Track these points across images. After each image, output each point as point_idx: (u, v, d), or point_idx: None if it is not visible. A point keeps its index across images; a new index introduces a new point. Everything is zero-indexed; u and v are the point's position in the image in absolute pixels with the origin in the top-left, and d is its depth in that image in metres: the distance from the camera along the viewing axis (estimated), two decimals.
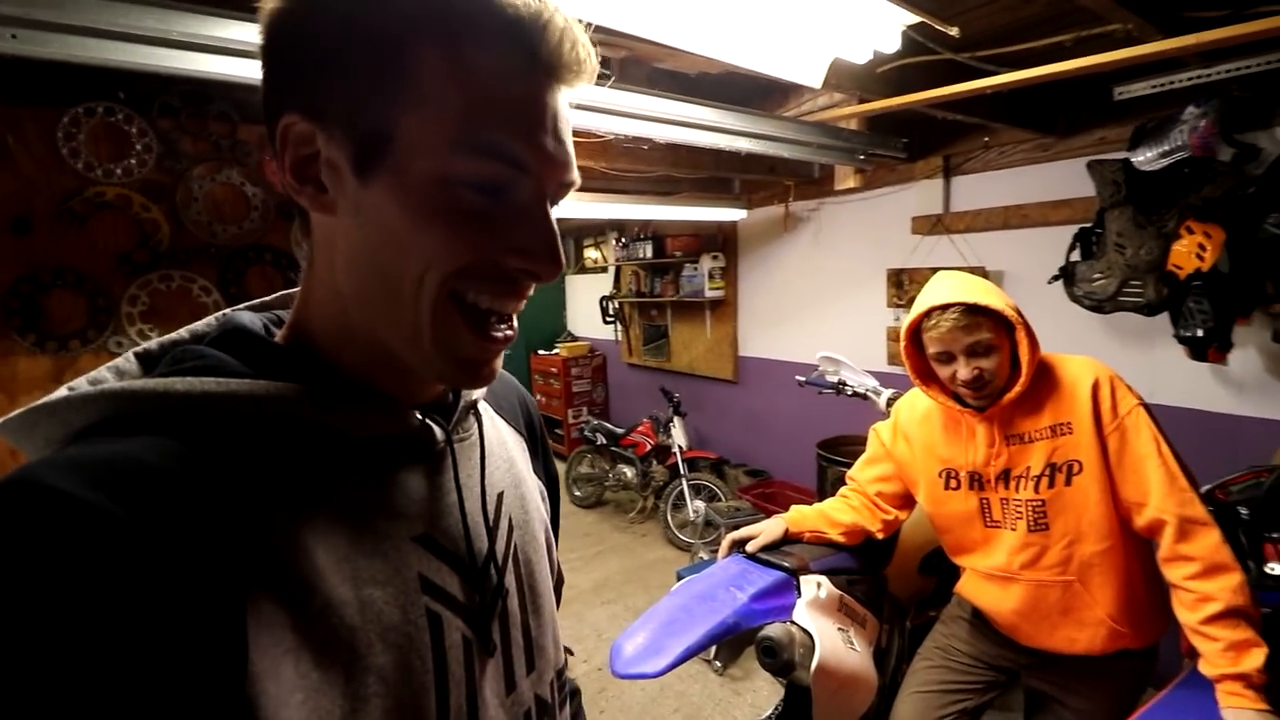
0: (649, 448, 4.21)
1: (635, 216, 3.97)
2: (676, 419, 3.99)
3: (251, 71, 1.22)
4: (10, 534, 0.31)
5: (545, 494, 0.66)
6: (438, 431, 0.49)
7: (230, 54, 1.16)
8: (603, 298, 5.38)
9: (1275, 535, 1.55)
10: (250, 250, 1.83)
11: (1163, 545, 1.23)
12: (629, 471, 4.32)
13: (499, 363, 0.47)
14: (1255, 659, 1.11)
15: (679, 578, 3.00)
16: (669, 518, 3.93)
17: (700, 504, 3.71)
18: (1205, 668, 1.16)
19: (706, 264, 4.21)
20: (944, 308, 1.25)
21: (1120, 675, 1.39)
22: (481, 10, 0.38)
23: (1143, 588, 1.33)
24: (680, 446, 3.92)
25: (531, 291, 0.46)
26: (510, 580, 0.54)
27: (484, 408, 0.59)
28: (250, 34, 1.15)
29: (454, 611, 0.47)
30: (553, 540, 0.65)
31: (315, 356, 0.46)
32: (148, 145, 1.63)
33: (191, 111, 1.70)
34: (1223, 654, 1.13)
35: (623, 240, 4.92)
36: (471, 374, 0.45)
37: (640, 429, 4.32)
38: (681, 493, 3.83)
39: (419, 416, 0.48)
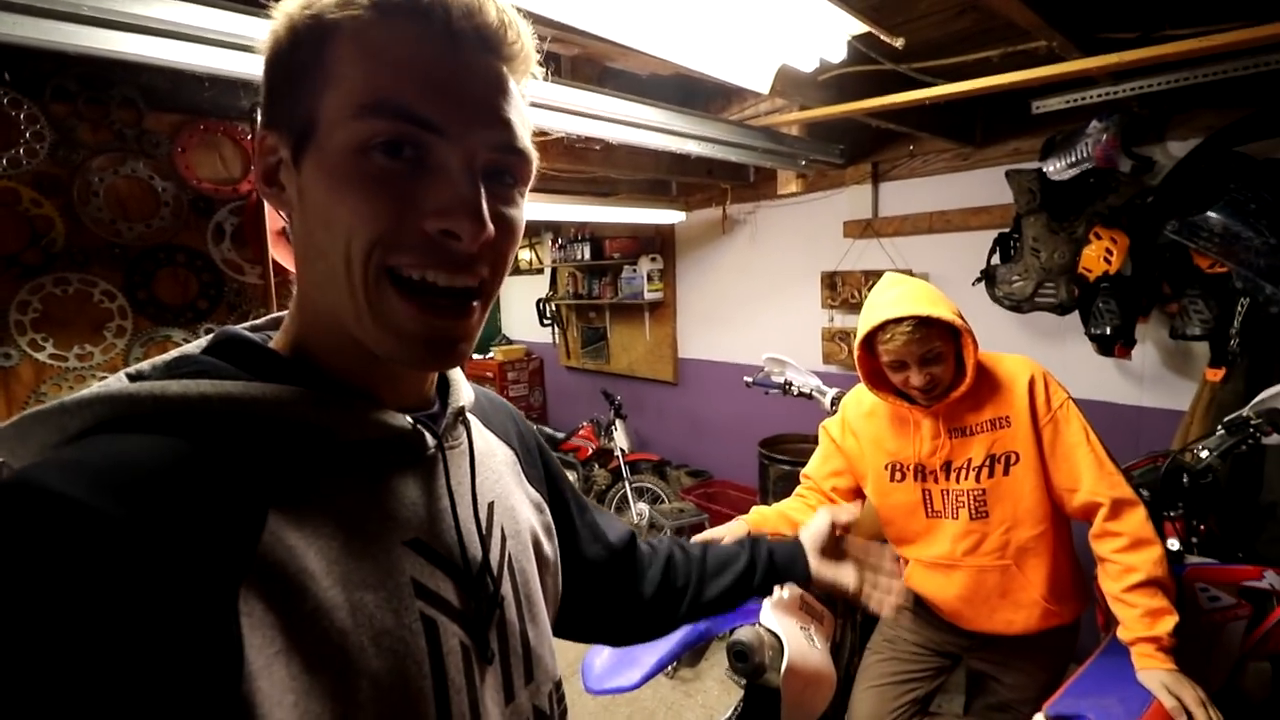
0: (590, 451, 4.17)
1: (572, 218, 3.93)
2: (618, 421, 3.97)
3: (165, 53, 1.11)
4: (7, 536, 0.31)
5: (544, 507, 0.65)
6: (428, 437, 0.50)
7: (146, 32, 1.05)
8: (539, 300, 5.29)
9: (1172, 514, 1.69)
10: (161, 250, 1.67)
11: (1095, 523, 1.33)
12: (570, 476, 4.26)
13: (465, 346, 0.46)
14: (1167, 624, 1.21)
15: None
16: None
17: (644, 506, 3.70)
18: (1122, 633, 1.26)
19: (645, 266, 4.21)
20: (898, 321, 1.30)
21: (1050, 649, 1.49)
22: None
23: (1068, 568, 1.44)
24: (622, 449, 3.90)
25: (483, 270, 0.44)
26: (507, 589, 0.54)
27: (473, 420, 0.58)
28: (172, 12, 1.04)
29: (450, 617, 0.47)
30: (548, 555, 0.63)
31: (308, 361, 0.47)
32: (38, 133, 1.45)
33: (91, 96, 1.52)
34: (1140, 619, 1.23)
35: (559, 242, 4.85)
36: (418, 350, 0.44)
37: (581, 433, 4.27)
38: (625, 496, 3.81)
39: (410, 421, 0.48)
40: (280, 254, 1.73)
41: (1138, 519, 1.30)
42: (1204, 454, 1.59)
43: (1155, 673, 1.19)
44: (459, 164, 0.42)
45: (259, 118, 0.46)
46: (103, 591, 0.32)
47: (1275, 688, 1.47)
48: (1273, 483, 1.92)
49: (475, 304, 0.45)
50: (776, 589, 1.40)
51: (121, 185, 1.60)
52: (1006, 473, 1.37)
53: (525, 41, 0.44)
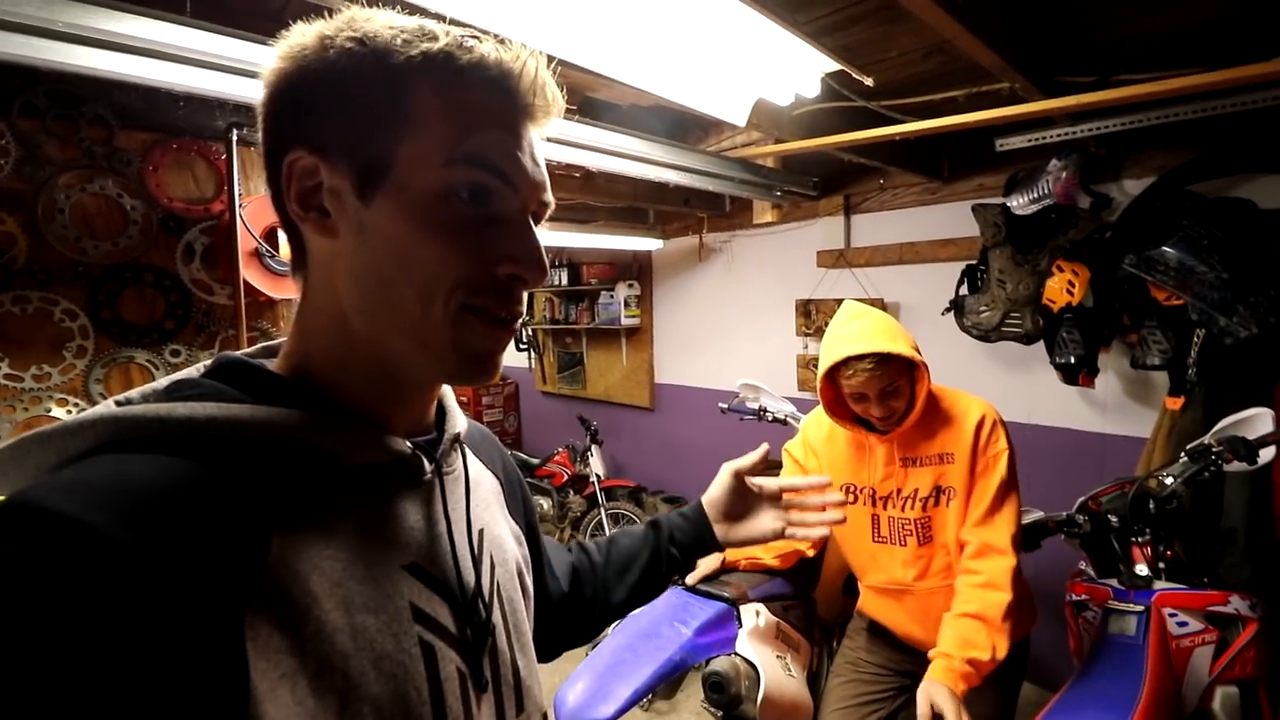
0: (566, 478, 4.12)
1: (551, 243, 3.93)
2: (594, 447, 3.94)
3: (140, 71, 1.10)
4: (10, 559, 0.31)
5: (522, 539, 0.65)
6: (427, 462, 0.50)
7: (121, 50, 1.03)
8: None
9: (1140, 540, 1.72)
10: (127, 269, 1.63)
11: (960, 559, 1.40)
12: (545, 503, 4.20)
13: (502, 358, 0.50)
14: (975, 654, 1.26)
15: None
16: None
17: None
18: (933, 651, 1.30)
19: (622, 292, 4.23)
20: (860, 357, 1.35)
21: (1002, 667, 1.51)
22: (469, 58, 0.45)
23: None
24: (598, 475, 3.86)
25: (524, 299, 0.50)
26: (497, 617, 0.54)
27: (465, 448, 0.59)
28: (148, 30, 1.03)
29: (447, 643, 0.47)
30: (529, 586, 0.63)
31: (310, 385, 0.47)
32: (3, 148, 1.42)
33: (60, 113, 1.50)
34: (954, 639, 1.29)
35: None
36: (482, 365, 0.47)
37: (556, 458, 4.23)
38: (600, 523, 3.77)
39: (410, 446, 0.49)
40: (252, 275, 1.70)
41: (1000, 566, 1.35)
42: (1169, 480, 1.63)
43: (939, 686, 1.22)
44: (521, 214, 0.47)
45: (276, 137, 0.46)
46: (107, 616, 0.31)
47: (1244, 712, 1.49)
48: (1232, 509, 1.98)
49: (517, 324, 0.49)
50: (752, 616, 1.40)
51: (89, 203, 1.56)
52: (947, 505, 1.44)
53: (562, 104, 0.49)
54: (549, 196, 0.50)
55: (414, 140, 0.43)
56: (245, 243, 1.68)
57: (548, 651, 0.77)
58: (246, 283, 1.68)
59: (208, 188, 1.73)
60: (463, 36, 0.45)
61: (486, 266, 0.45)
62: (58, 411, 1.49)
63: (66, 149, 1.52)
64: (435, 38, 0.44)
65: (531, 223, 0.48)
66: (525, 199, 0.47)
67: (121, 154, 1.59)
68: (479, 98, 0.45)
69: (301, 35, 0.45)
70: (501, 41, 0.46)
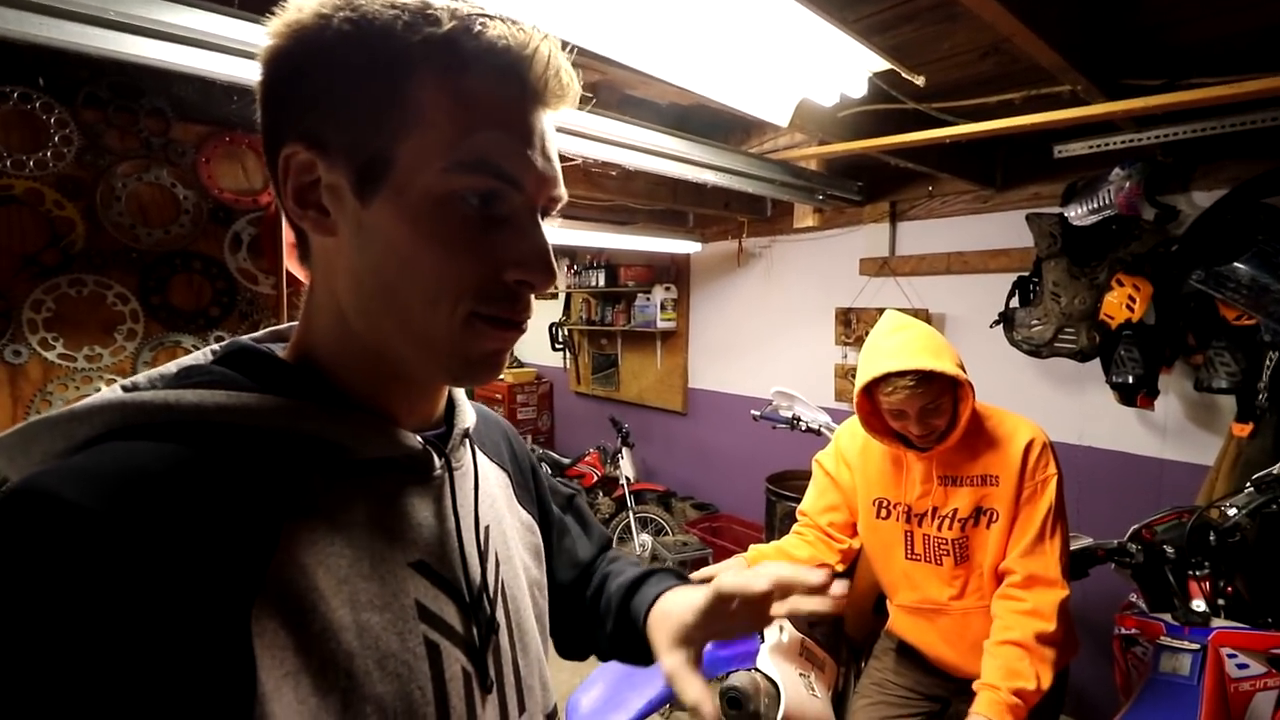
0: (595, 479, 4.12)
1: (589, 244, 3.95)
2: (625, 450, 3.92)
3: (194, 61, 1.14)
4: (15, 547, 0.30)
5: (535, 529, 0.64)
6: (436, 458, 0.49)
7: (177, 40, 1.07)
8: (552, 324, 5.30)
9: (1198, 574, 1.62)
10: (177, 256, 1.68)
11: (1001, 585, 1.35)
12: None
13: (507, 358, 0.48)
14: (1021, 684, 1.21)
15: None
16: None
17: (647, 538, 3.63)
18: (977, 684, 1.27)
19: (659, 294, 4.21)
20: (900, 374, 1.30)
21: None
22: (476, 44, 0.41)
23: None
24: (628, 478, 3.85)
25: (532, 302, 0.47)
26: (501, 614, 0.53)
27: (474, 442, 0.58)
28: (203, 22, 1.06)
29: (452, 642, 0.46)
30: (535, 577, 0.62)
31: (320, 376, 0.46)
32: (67, 137, 1.48)
33: (121, 105, 1.55)
34: (997, 669, 1.25)
35: (575, 267, 4.88)
36: (488, 366, 0.46)
37: (587, 459, 4.23)
38: (628, 526, 3.75)
39: (420, 441, 0.48)
40: (294, 266, 1.74)
41: (1048, 597, 1.29)
42: (1231, 511, 1.54)
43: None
44: (529, 215, 0.44)
45: (273, 125, 0.44)
46: (116, 608, 0.31)
47: None
48: None
49: (525, 323, 0.47)
50: (775, 631, 1.36)
51: (144, 191, 1.62)
52: (988, 527, 1.38)
53: (577, 89, 0.46)
54: (560, 191, 0.47)
55: (415, 138, 0.41)
56: (289, 234, 1.72)
57: (573, 649, 0.73)
58: (289, 273, 1.72)
59: (256, 179, 1.77)
60: (470, 17, 0.41)
61: (494, 272, 0.43)
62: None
63: (126, 139, 1.58)
64: (439, 21, 0.40)
65: (540, 223, 0.45)
66: (532, 198, 0.44)
67: (177, 145, 1.65)
68: (486, 89, 0.42)
69: (299, 10, 0.41)
70: (512, 22, 0.42)
